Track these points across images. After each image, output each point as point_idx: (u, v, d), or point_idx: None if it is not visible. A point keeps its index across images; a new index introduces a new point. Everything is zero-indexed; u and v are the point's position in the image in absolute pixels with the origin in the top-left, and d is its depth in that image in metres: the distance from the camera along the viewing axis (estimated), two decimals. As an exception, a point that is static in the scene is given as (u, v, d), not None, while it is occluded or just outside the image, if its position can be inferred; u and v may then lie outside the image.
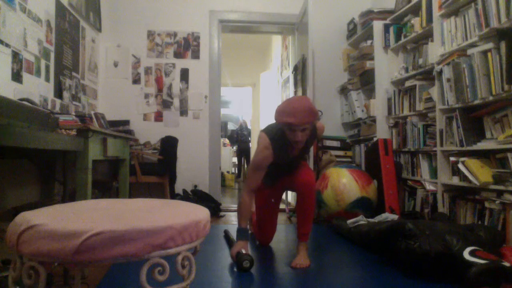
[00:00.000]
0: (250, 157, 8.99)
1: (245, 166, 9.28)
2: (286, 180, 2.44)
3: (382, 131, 3.71)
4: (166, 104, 4.40)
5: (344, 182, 3.24)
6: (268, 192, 2.54)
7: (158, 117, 4.39)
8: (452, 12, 2.83)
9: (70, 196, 2.77)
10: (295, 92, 4.55)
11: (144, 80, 4.38)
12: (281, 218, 3.98)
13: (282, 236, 3.04)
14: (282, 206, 4.70)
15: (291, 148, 2.24)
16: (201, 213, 1.15)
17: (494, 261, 1.71)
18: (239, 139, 8.95)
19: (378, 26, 3.78)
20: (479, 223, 2.43)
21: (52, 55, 3.07)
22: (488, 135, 2.47)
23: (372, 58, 3.87)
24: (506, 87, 2.19)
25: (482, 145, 2.48)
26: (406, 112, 3.45)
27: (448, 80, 2.75)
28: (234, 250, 2.20)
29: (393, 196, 3.24)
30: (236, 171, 9.65)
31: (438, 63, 2.90)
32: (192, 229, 1.05)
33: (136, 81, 4.38)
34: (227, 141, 9.60)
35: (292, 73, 4.74)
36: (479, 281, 1.65)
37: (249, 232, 2.87)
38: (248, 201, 2.26)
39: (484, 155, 2.54)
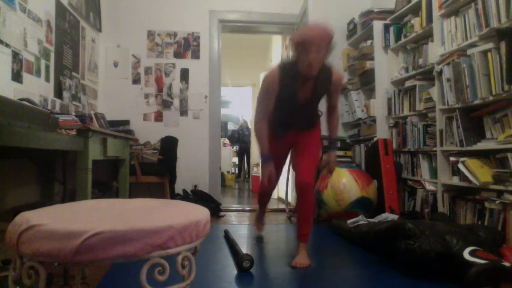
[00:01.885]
0: (251, 157, 8.99)
1: (245, 166, 9.28)
2: (293, 139, 2.43)
3: (382, 131, 3.71)
4: (166, 104, 4.40)
5: (344, 182, 3.24)
6: (275, 146, 2.45)
7: (158, 117, 4.39)
8: (452, 12, 2.83)
9: (70, 196, 2.77)
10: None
11: (144, 80, 4.39)
12: (281, 218, 3.99)
13: (282, 236, 3.04)
14: (282, 206, 4.70)
15: (300, 80, 2.17)
16: (201, 213, 1.15)
17: (494, 261, 1.71)
18: (240, 139, 8.95)
19: (378, 26, 3.78)
20: (479, 223, 2.43)
21: (52, 55, 3.07)
22: (488, 135, 2.47)
23: (372, 58, 3.87)
24: (506, 87, 2.19)
25: (482, 145, 2.48)
26: (406, 112, 3.45)
27: (448, 80, 2.75)
28: (265, 172, 2.26)
29: (393, 196, 3.24)
30: (236, 171, 9.65)
31: (438, 63, 2.90)
32: (192, 229, 1.05)
33: (136, 81, 4.38)
34: (227, 141, 9.59)
35: (292, 73, 4.73)
36: (479, 281, 1.65)
37: (263, 224, 3.01)
38: (262, 126, 2.28)
39: (484, 155, 2.54)
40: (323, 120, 2.50)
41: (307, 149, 2.36)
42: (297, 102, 2.25)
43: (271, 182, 2.37)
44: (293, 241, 2.86)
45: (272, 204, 4.90)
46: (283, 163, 2.60)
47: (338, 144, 2.58)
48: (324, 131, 3.17)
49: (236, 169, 9.65)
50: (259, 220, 3.01)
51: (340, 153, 4.14)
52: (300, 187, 2.27)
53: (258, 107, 2.29)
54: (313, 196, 2.30)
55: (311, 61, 2.03)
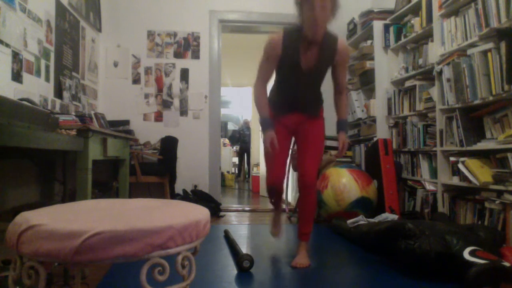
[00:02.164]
0: (251, 157, 9.00)
1: (245, 166, 9.29)
2: (296, 126, 2.31)
3: (382, 131, 3.71)
4: (166, 104, 4.40)
5: (344, 182, 3.24)
6: (276, 128, 2.31)
7: (158, 117, 4.39)
8: (452, 12, 2.83)
9: (70, 196, 2.77)
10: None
11: (144, 80, 4.39)
12: (281, 218, 3.98)
13: (282, 236, 3.04)
14: (282, 206, 4.70)
15: (305, 44, 2.11)
16: (201, 213, 1.15)
17: (494, 261, 1.71)
18: (241, 139, 8.95)
19: (378, 26, 3.78)
20: (479, 223, 2.43)
21: (52, 55, 3.07)
22: (488, 135, 2.47)
23: (372, 58, 3.87)
24: (506, 87, 2.19)
25: (482, 145, 2.48)
26: (406, 112, 3.45)
27: (448, 80, 2.76)
28: (266, 139, 2.15)
29: (393, 196, 3.24)
30: (236, 171, 9.65)
31: (438, 63, 2.90)
32: (192, 229, 1.05)
33: (136, 81, 4.38)
34: (227, 141, 9.60)
35: (292, 73, 4.73)
36: (479, 281, 1.65)
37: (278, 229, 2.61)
38: (262, 91, 2.23)
39: (484, 155, 2.54)
40: (329, 115, 2.42)
41: (311, 147, 2.28)
42: (301, 69, 2.14)
43: (280, 166, 2.22)
44: (293, 241, 2.86)
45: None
46: (287, 152, 2.37)
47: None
48: (328, 130, 3.16)
49: (236, 169, 9.66)
50: (274, 223, 2.63)
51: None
52: (303, 187, 2.24)
53: (258, 73, 2.22)
54: (315, 195, 2.27)
55: (316, 17, 1.95)
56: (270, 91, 2.39)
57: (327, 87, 2.45)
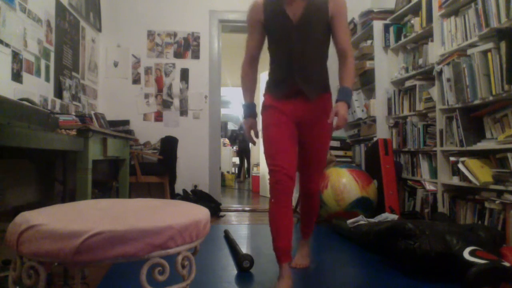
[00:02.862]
0: (251, 157, 9.00)
1: (245, 166, 9.29)
2: (299, 115, 1.92)
3: (382, 131, 3.71)
4: (166, 104, 4.40)
5: (344, 182, 3.24)
6: (276, 112, 1.93)
7: (158, 117, 4.39)
8: (452, 12, 2.83)
9: (70, 196, 2.77)
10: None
11: (144, 80, 4.39)
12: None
13: None
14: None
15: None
16: (201, 213, 1.15)
17: (494, 261, 1.71)
18: (240, 138, 8.95)
19: (378, 26, 3.78)
20: (479, 223, 2.43)
21: (52, 55, 3.07)
22: (488, 135, 2.47)
23: (372, 58, 3.87)
24: (506, 87, 2.19)
25: (482, 145, 2.48)
26: (406, 112, 3.45)
27: (448, 80, 2.76)
28: (246, 128, 1.99)
29: (393, 196, 3.24)
30: (236, 171, 9.65)
31: (438, 63, 2.90)
32: (192, 229, 1.05)
33: (136, 81, 4.38)
34: (227, 141, 9.59)
35: (292, 73, 4.72)
36: (479, 281, 1.65)
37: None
38: (247, 71, 2.02)
39: (484, 155, 2.54)
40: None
41: (316, 154, 2.02)
42: (289, 20, 1.85)
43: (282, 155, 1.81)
44: (293, 241, 2.86)
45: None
46: (291, 139, 1.89)
47: (351, 94, 1.86)
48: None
49: (236, 169, 9.65)
50: (282, 274, 1.80)
51: (340, 153, 4.14)
52: (306, 194, 2.16)
53: (245, 50, 2.03)
54: (318, 200, 2.19)
55: None
56: (267, 82, 2.13)
57: (331, 84, 2.22)
